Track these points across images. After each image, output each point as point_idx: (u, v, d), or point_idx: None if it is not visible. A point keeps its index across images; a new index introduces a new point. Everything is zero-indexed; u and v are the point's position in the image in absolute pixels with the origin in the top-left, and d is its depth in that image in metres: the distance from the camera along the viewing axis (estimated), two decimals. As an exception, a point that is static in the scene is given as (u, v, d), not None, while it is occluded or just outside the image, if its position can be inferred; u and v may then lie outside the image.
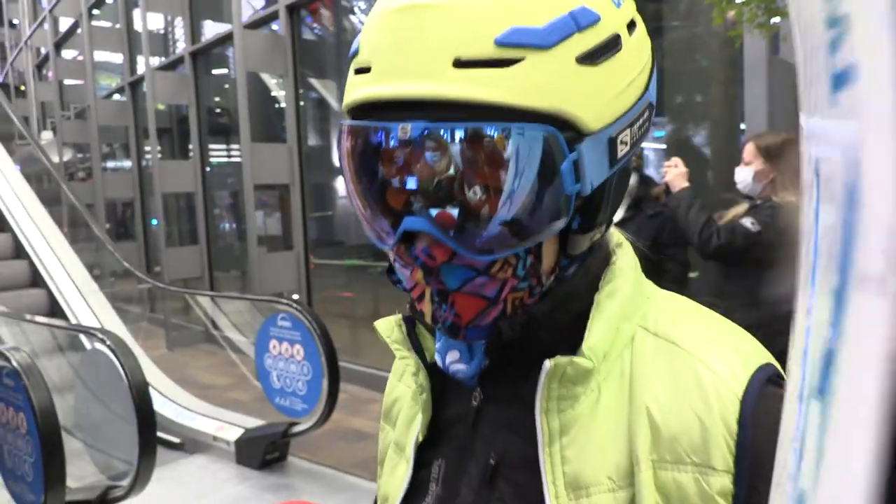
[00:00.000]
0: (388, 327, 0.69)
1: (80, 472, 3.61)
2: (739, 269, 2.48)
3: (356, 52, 0.57)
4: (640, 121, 0.58)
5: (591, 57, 0.52)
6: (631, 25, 0.57)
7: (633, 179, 3.10)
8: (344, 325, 6.82)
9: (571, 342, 0.58)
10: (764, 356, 0.57)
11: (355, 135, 0.56)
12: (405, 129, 0.52)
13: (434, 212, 0.54)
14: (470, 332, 0.59)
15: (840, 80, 0.18)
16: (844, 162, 0.17)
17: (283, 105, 7.16)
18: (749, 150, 2.54)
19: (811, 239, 0.21)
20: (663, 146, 4.86)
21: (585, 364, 0.55)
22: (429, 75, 0.51)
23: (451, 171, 0.52)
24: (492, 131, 0.51)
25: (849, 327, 0.16)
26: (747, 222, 2.41)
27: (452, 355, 0.63)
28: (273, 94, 8.28)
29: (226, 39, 7.66)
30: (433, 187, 0.53)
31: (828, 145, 0.20)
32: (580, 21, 0.52)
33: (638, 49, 0.57)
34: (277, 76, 7.34)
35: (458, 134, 0.51)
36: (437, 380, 0.67)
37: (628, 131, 0.57)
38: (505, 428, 0.62)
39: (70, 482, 3.13)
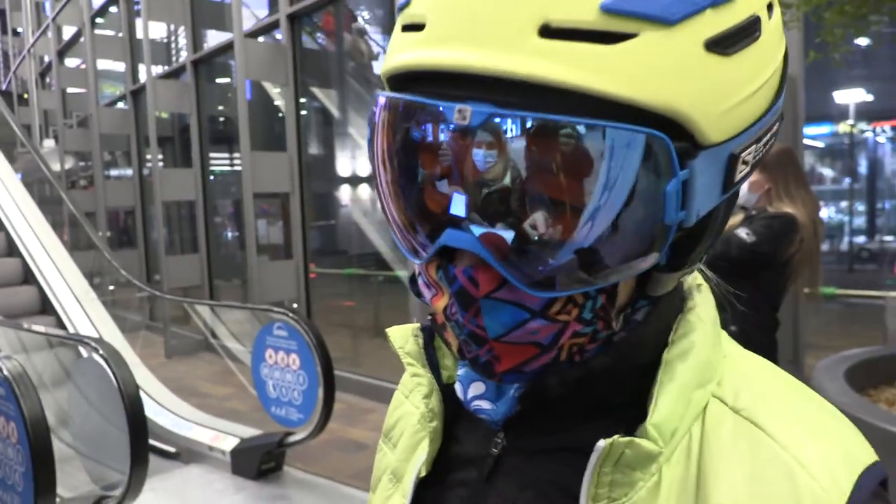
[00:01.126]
0: (403, 337, 0.58)
1: (73, 482, 3.58)
2: (733, 280, 2.45)
3: (406, 3, 0.44)
4: (769, 135, 0.45)
5: (724, 43, 0.40)
6: (770, 7, 0.44)
7: None
8: (344, 334, 6.80)
9: (630, 396, 0.47)
10: (870, 453, 0.45)
11: (393, 112, 0.44)
12: (463, 114, 0.39)
13: (486, 227, 0.41)
14: (508, 376, 0.47)
15: None
16: None
17: (283, 114, 7.18)
18: None
19: None
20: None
21: (650, 448, 0.43)
22: (503, 43, 0.38)
23: (519, 176, 0.40)
24: (582, 129, 0.38)
25: None
26: (742, 233, 2.39)
27: (476, 388, 0.52)
28: (275, 102, 8.31)
29: (227, 48, 7.69)
30: (490, 194, 0.40)
31: None
32: None
33: (776, 39, 0.45)
34: (279, 85, 7.35)
35: (536, 128, 0.38)
36: (452, 404, 0.55)
37: (753, 147, 0.44)
38: (530, 489, 0.50)
39: (63, 492, 3.11)
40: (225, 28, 8.26)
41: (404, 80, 0.44)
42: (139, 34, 9.73)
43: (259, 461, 4.07)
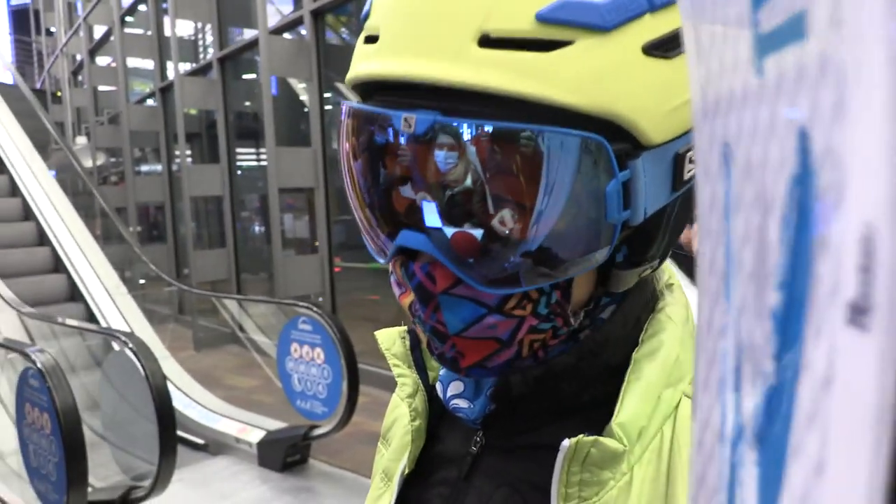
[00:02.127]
0: (390, 339, 0.60)
1: (105, 472, 3.67)
2: None
3: (367, 15, 0.47)
4: None
5: (664, 46, 0.40)
6: None
7: None
8: (368, 328, 6.82)
9: (601, 396, 0.48)
10: None
11: (354, 119, 0.47)
12: (409, 122, 0.41)
13: (439, 228, 0.43)
14: (474, 370, 0.49)
15: (770, 41, 0.14)
16: (786, 150, 0.14)
17: (308, 109, 7.24)
18: None
19: (720, 242, 0.17)
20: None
21: (615, 447, 0.44)
22: (445, 54, 0.40)
23: (464, 179, 0.42)
24: (518, 134, 0.40)
25: (815, 365, 0.12)
26: None
27: (455, 387, 0.53)
28: (300, 98, 8.36)
29: (253, 45, 7.76)
30: (439, 197, 0.43)
31: (749, 126, 0.16)
32: None
33: None
34: (303, 80, 7.41)
35: (476, 134, 0.41)
36: (437, 405, 0.57)
37: None
38: (505, 486, 0.51)
39: (94, 481, 3.19)
40: (251, 25, 8.34)
41: (368, 88, 0.47)
42: (167, 32, 9.87)
43: (284, 454, 4.13)
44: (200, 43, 10.51)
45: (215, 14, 8.67)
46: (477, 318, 0.46)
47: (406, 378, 0.58)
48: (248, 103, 9.45)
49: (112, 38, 11.85)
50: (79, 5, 14.49)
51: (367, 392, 4.50)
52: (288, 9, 7.79)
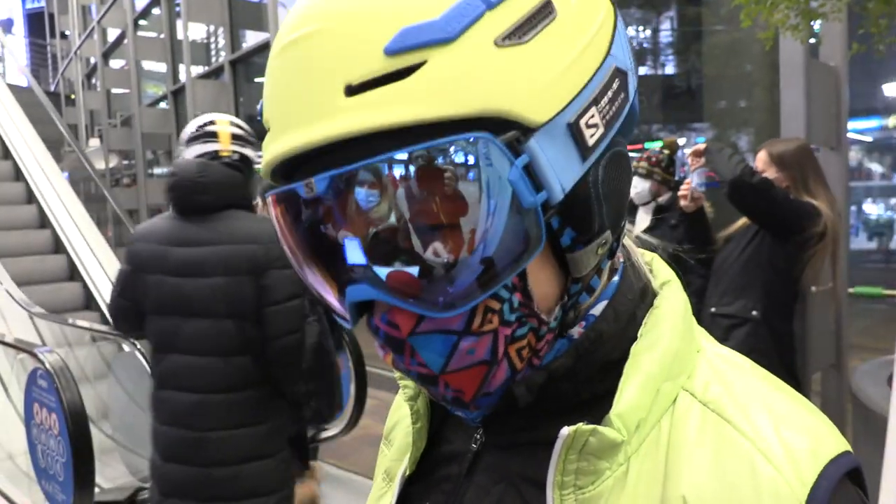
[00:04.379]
0: None
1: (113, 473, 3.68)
2: (774, 243, 2.39)
3: (261, 112, 0.49)
4: (610, 92, 0.46)
5: (516, 34, 0.42)
6: None
7: (666, 195, 2.99)
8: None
9: (600, 392, 0.48)
10: (839, 443, 0.45)
11: (272, 204, 0.48)
12: (310, 187, 0.43)
13: (378, 272, 0.44)
14: (480, 401, 0.49)
15: None
16: None
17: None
18: (762, 158, 2.45)
19: None
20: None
21: (613, 436, 0.44)
22: (319, 114, 0.42)
23: (376, 218, 0.43)
24: (400, 161, 0.41)
25: None
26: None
27: None
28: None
29: (264, 48, 7.80)
30: (366, 243, 0.43)
31: None
32: None
33: (583, 10, 0.46)
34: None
35: (371, 174, 0.41)
36: (440, 407, 0.57)
37: (594, 110, 0.45)
38: (503, 481, 0.51)
39: (102, 482, 3.20)
40: (262, 28, 8.37)
41: (286, 170, 0.47)
42: (180, 35, 9.94)
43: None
44: (213, 46, 10.58)
45: (227, 17, 8.72)
46: (452, 348, 0.45)
47: (407, 381, 0.58)
48: (258, 106, 9.49)
49: (125, 41, 11.96)
50: (93, 8, 14.62)
51: (375, 395, 4.49)
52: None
